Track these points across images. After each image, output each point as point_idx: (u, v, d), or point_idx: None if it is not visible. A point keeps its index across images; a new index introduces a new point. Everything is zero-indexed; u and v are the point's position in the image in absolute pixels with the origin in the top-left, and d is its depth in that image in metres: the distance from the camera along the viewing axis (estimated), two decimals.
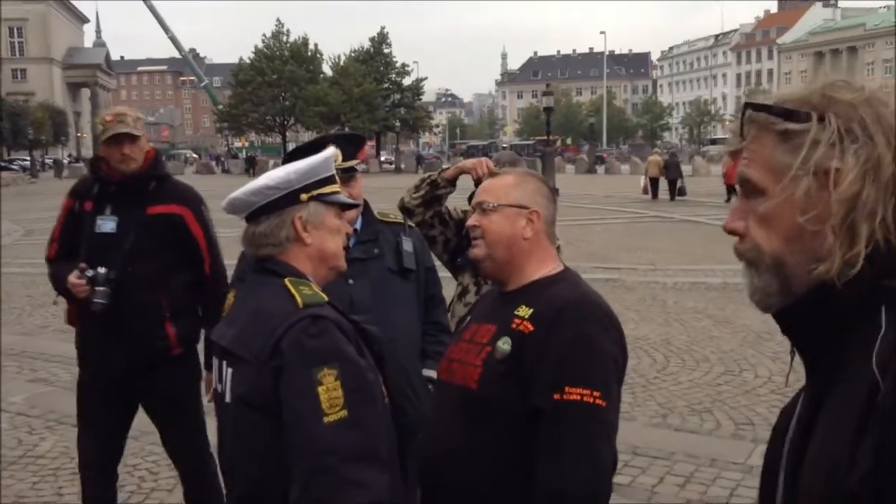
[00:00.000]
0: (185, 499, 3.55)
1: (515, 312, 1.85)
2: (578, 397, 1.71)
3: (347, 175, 2.69)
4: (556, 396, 1.72)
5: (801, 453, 0.96)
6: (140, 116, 3.35)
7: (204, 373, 3.21)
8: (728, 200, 22.93)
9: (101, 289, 3.12)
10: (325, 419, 1.57)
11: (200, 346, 3.22)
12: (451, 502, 1.87)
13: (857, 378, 0.87)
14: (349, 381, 1.61)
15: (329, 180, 1.85)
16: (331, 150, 1.92)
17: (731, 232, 1.04)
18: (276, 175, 1.80)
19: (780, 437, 1.05)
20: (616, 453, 1.85)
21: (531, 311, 1.83)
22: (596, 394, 1.72)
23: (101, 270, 3.12)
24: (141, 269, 3.19)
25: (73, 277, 3.13)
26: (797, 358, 1.06)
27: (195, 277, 3.39)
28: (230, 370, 1.70)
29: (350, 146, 2.75)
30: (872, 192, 0.92)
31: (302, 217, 1.79)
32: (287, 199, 1.78)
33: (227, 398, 1.70)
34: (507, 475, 1.80)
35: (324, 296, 1.74)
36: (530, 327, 1.81)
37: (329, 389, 1.58)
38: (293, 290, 1.70)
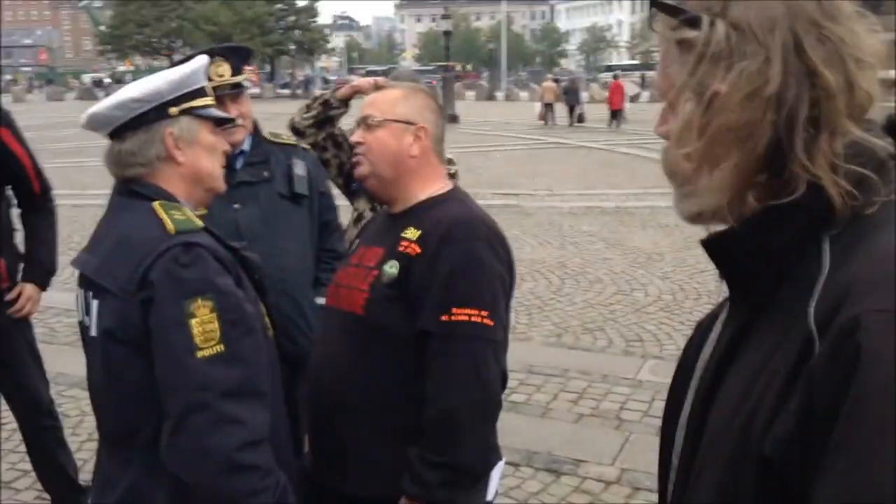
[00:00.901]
0: (28, 447, 3.34)
1: (402, 234, 1.82)
2: (466, 317, 1.71)
3: (235, 91, 2.56)
4: (444, 318, 1.71)
5: (715, 386, 0.89)
6: None
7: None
8: (609, 125, 23.55)
9: None
10: (199, 353, 1.48)
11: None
12: (338, 427, 1.86)
13: (789, 324, 0.79)
14: (225, 314, 1.51)
15: (200, 92, 1.71)
16: (202, 59, 1.77)
17: (661, 136, 0.94)
18: (144, 86, 1.63)
19: (693, 357, 0.99)
20: (506, 370, 1.87)
21: (419, 233, 1.80)
22: (484, 313, 1.73)
23: None
24: None
25: None
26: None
27: (12, 201, 3.16)
28: (95, 302, 1.59)
29: (237, 59, 2.60)
30: (751, 120, 0.81)
31: (173, 133, 1.65)
32: (156, 112, 1.63)
33: (94, 332, 1.59)
34: (395, 398, 1.79)
35: (198, 221, 1.63)
36: (417, 250, 1.78)
37: (203, 322, 1.49)
38: (163, 215, 1.58)
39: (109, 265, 1.57)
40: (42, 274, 3.19)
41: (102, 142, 1.72)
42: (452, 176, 3.06)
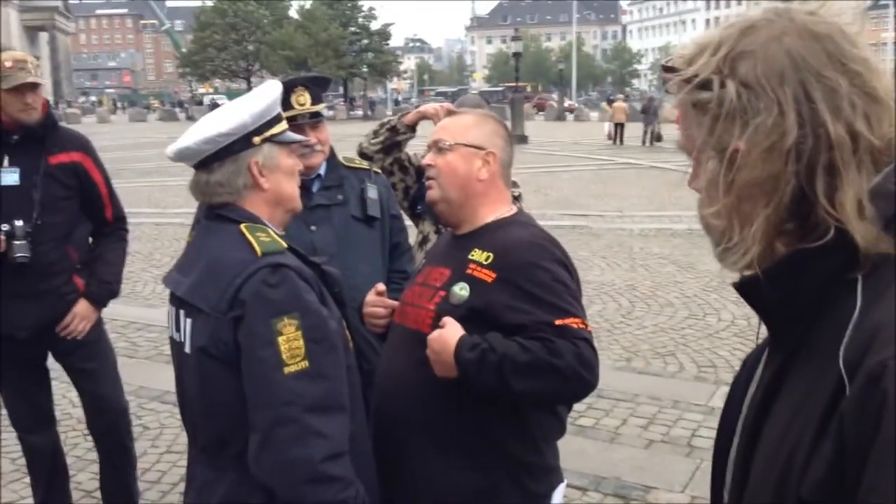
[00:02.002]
0: (100, 452, 3.39)
1: (470, 256, 1.87)
2: (574, 325, 1.79)
3: (315, 120, 2.64)
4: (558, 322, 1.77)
5: (758, 425, 0.91)
6: (38, 61, 3.16)
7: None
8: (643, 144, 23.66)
9: (20, 243, 2.94)
10: (286, 369, 1.55)
11: None
12: (401, 442, 1.90)
13: (823, 366, 0.79)
14: (310, 332, 1.59)
15: (278, 118, 1.79)
16: (278, 88, 1.85)
17: (695, 191, 0.97)
18: (230, 120, 1.71)
19: (741, 393, 1.00)
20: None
21: (487, 255, 1.85)
22: (578, 320, 1.80)
23: (18, 223, 2.95)
24: (50, 222, 3.03)
25: None
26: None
27: (91, 227, 3.27)
28: (189, 321, 1.67)
29: (317, 88, 2.70)
30: (773, 174, 0.83)
31: (258, 162, 1.73)
32: (241, 143, 1.71)
33: (188, 349, 1.67)
34: (458, 416, 1.83)
35: (283, 242, 1.71)
36: (492, 275, 1.82)
37: (289, 339, 1.56)
38: (250, 238, 1.66)
39: (201, 286, 1.66)
40: (102, 293, 3.22)
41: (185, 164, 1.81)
42: (517, 198, 3.10)
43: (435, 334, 1.79)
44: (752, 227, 0.86)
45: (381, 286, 2.17)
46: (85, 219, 3.23)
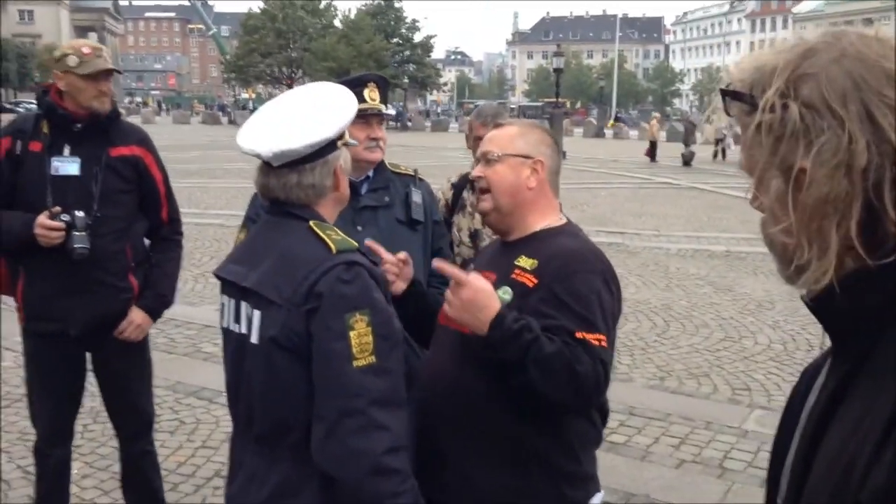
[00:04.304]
0: (124, 454, 3.30)
1: (516, 262, 1.90)
2: (595, 342, 1.78)
3: (379, 116, 2.70)
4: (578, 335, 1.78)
5: (818, 435, 0.92)
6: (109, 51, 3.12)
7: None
8: (714, 158, 23.53)
9: (80, 234, 2.86)
10: (355, 363, 1.61)
11: None
12: (442, 441, 1.92)
13: (887, 378, 0.81)
14: (379, 328, 1.65)
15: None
16: (352, 95, 1.90)
17: (757, 209, 0.98)
18: (332, 126, 1.76)
19: (799, 404, 1.02)
20: (606, 404, 1.95)
21: (533, 262, 1.87)
22: (601, 337, 1.80)
23: (80, 214, 2.86)
24: (108, 215, 2.96)
25: (46, 220, 2.82)
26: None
27: (148, 225, 3.19)
28: (257, 312, 1.71)
29: (385, 88, 2.76)
30: (843, 192, 0.84)
31: (342, 165, 1.81)
32: (331, 147, 1.77)
33: (254, 339, 1.71)
34: (500, 418, 1.85)
35: (352, 241, 1.76)
36: (534, 280, 1.85)
37: (360, 335, 1.62)
38: (323, 235, 1.72)
39: (274, 278, 1.70)
40: (157, 304, 3.18)
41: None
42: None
43: (485, 285, 1.79)
44: (826, 245, 0.87)
45: (402, 254, 2.18)
46: (142, 216, 3.16)
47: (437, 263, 1.89)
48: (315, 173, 1.76)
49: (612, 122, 49.60)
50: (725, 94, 0.95)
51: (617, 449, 4.42)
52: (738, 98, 0.93)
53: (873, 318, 0.87)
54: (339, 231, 1.78)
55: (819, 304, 0.92)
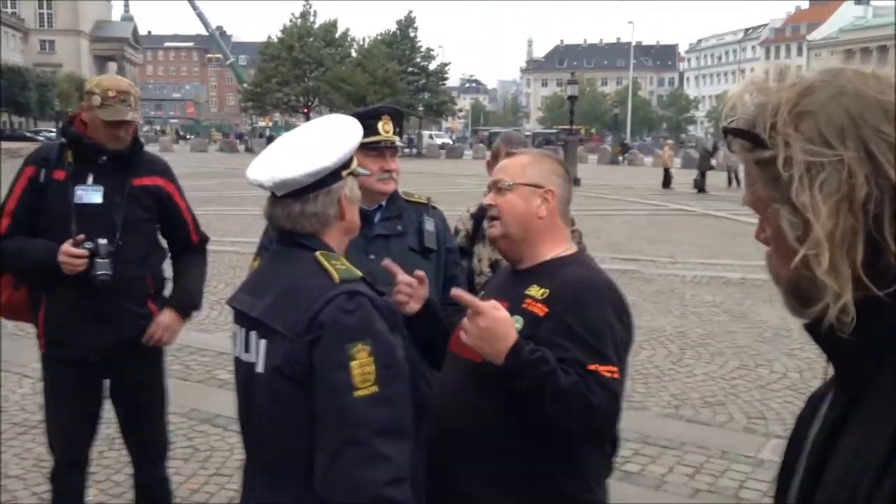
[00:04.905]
0: (139, 481, 3.32)
1: (527, 292, 1.91)
2: (607, 374, 1.79)
3: (392, 149, 2.73)
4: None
5: (822, 461, 0.94)
6: (138, 91, 3.14)
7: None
8: (729, 185, 23.56)
9: (102, 261, 2.91)
10: (357, 393, 1.61)
11: None
12: (453, 470, 1.93)
13: (888, 407, 0.84)
14: (381, 358, 1.65)
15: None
16: (359, 125, 1.93)
17: (762, 242, 1.01)
18: (333, 155, 1.77)
19: (805, 429, 1.03)
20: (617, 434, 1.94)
21: (544, 291, 1.89)
22: (613, 369, 1.80)
23: (103, 241, 2.91)
24: (130, 243, 3.02)
25: (70, 248, 2.87)
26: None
27: (175, 251, 3.30)
28: (263, 341, 1.74)
29: (399, 120, 2.79)
30: (848, 225, 0.86)
31: (346, 194, 1.82)
32: (334, 176, 1.79)
33: (260, 368, 1.74)
34: (512, 446, 1.86)
35: (357, 271, 1.78)
36: (545, 309, 1.86)
37: (362, 365, 1.63)
38: (327, 265, 1.73)
39: (279, 308, 1.73)
40: (186, 302, 3.24)
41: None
42: (579, 236, 3.15)
43: (504, 314, 1.80)
44: (828, 278, 0.88)
45: (419, 272, 2.20)
46: (160, 245, 3.25)
47: (455, 292, 1.90)
48: (318, 202, 1.77)
49: (618, 148, 49.69)
50: (727, 131, 0.98)
51: (631, 478, 4.39)
52: (740, 135, 0.95)
53: (875, 347, 0.89)
54: (344, 261, 1.79)
55: (821, 332, 0.93)
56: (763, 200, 0.95)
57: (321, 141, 1.82)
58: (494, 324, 1.78)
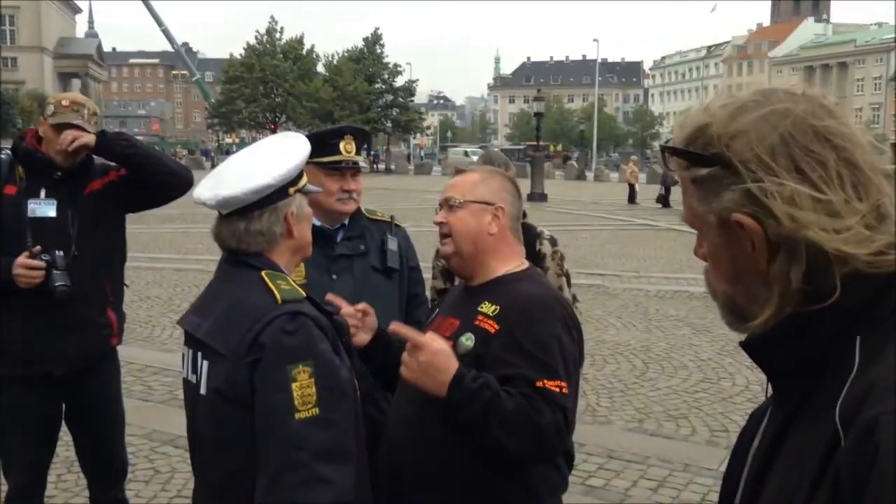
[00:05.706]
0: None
1: (479, 308, 1.92)
2: (555, 388, 1.80)
3: (354, 169, 2.74)
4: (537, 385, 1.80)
5: (761, 477, 0.96)
6: (98, 112, 3.11)
7: None
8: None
9: (60, 272, 2.91)
10: (297, 415, 1.59)
11: None
12: (406, 491, 1.93)
13: (821, 421, 0.84)
14: (323, 379, 1.63)
15: (303, 169, 1.86)
16: (307, 143, 1.92)
17: (700, 258, 1.04)
18: (275, 172, 1.75)
19: (747, 444, 1.06)
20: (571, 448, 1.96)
21: (495, 308, 1.90)
22: (562, 384, 1.82)
23: (59, 253, 2.92)
24: (86, 253, 3.02)
25: (26, 260, 2.87)
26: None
27: (125, 256, 3.26)
28: (206, 362, 1.72)
29: (362, 140, 2.79)
30: (783, 244, 0.88)
31: (294, 212, 1.80)
32: (280, 193, 1.77)
33: (203, 390, 1.72)
34: (466, 466, 1.87)
35: (301, 291, 1.76)
36: (496, 326, 1.88)
37: (303, 386, 1.60)
38: (271, 285, 1.71)
39: (221, 330, 1.71)
40: (114, 135, 3.09)
41: (206, 209, 1.79)
42: (552, 242, 3.19)
43: (442, 346, 1.81)
44: (762, 292, 0.91)
45: (361, 305, 2.17)
46: (121, 248, 3.24)
47: (393, 326, 1.91)
48: (263, 220, 1.76)
49: (562, 157, 50.55)
50: (665, 149, 1.00)
51: (595, 493, 4.42)
52: (677, 154, 0.98)
53: (806, 364, 0.91)
54: (290, 281, 1.77)
55: (756, 349, 0.96)
56: (699, 217, 0.97)
57: (267, 158, 1.81)
58: (434, 357, 1.79)
